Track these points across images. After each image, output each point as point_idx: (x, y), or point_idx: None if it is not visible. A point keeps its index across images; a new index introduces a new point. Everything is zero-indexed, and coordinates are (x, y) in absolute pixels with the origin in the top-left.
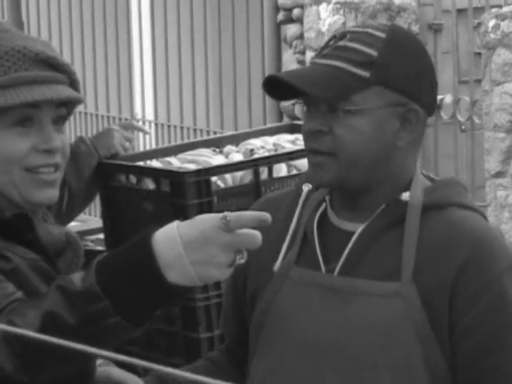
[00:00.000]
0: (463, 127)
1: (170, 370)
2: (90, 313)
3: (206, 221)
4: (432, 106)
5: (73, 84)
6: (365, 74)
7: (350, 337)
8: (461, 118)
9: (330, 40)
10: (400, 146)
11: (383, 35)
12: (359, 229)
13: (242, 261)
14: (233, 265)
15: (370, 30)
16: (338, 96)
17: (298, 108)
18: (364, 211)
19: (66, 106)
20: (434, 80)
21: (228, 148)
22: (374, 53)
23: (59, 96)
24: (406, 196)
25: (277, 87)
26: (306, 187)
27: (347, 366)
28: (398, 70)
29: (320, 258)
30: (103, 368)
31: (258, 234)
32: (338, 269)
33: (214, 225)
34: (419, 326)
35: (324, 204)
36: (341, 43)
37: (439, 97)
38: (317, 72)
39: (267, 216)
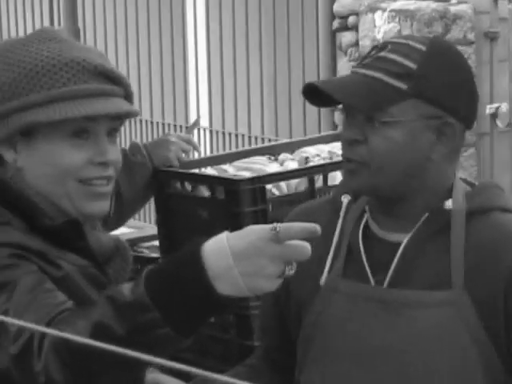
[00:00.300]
0: None
1: (214, 375)
2: (139, 323)
3: (255, 232)
4: (471, 119)
5: (127, 96)
6: (402, 85)
7: (406, 346)
8: None
9: (371, 50)
10: (434, 158)
11: (423, 48)
12: (405, 239)
13: (292, 272)
14: (282, 276)
15: (410, 42)
16: (374, 107)
17: (337, 116)
18: (405, 221)
19: (120, 118)
20: (473, 93)
21: (283, 156)
22: (412, 65)
23: (118, 110)
24: (449, 204)
25: (316, 94)
26: (346, 199)
27: (404, 374)
28: (436, 83)
29: (368, 271)
30: (152, 375)
31: (307, 245)
32: (387, 280)
33: (263, 236)
34: (474, 331)
35: (365, 215)
36: (381, 54)
37: (495, 105)
38: (355, 82)
39: (317, 228)
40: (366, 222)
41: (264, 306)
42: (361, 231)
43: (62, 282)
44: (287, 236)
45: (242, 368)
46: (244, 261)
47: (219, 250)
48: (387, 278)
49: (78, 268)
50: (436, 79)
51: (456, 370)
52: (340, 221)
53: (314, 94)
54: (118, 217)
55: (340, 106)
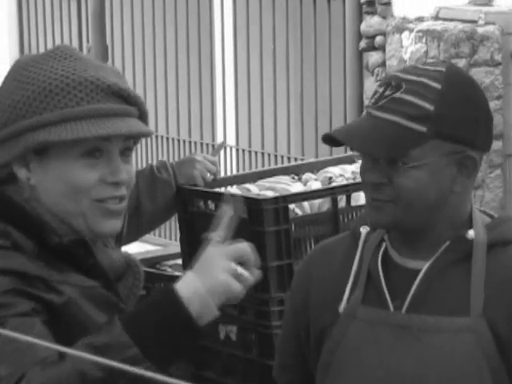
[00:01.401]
0: None
1: None
2: (119, 362)
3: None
4: (488, 143)
5: (142, 115)
6: (421, 128)
7: (424, 372)
8: None
9: (384, 89)
10: (457, 190)
11: (438, 86)
12: (425, 266)
13: (247, 274)
14: (238, 277)
15: (425, 80)
16: (396, 154)
17: None
18: (425, 249)
19: (134, 138)
20: (489, 119)
21: (306, 175)
22: (429, 106)
23: (131, 131)
24: (471, 234)
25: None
26: (364, 229)
27: None
28: (455, 121)
29: (387, 297)
30: None
31: (247, 243)
32: (405, 306)
33: (210, 247)
34: (490, 358)
35: (384, 244)
36: (397, 95)
37: None
38: (373, 128)
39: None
40: (385, 249)
41: (282, 343)
42: (380, 258)
43: (63, 308)
44: (225, 238)
45: None
46: (202, 273)
47: (189, 278)
48: (406, 304)
49: (84, 290)
50: (453, 117)
51: None
52: (359, 249)
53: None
54: (135, 231)
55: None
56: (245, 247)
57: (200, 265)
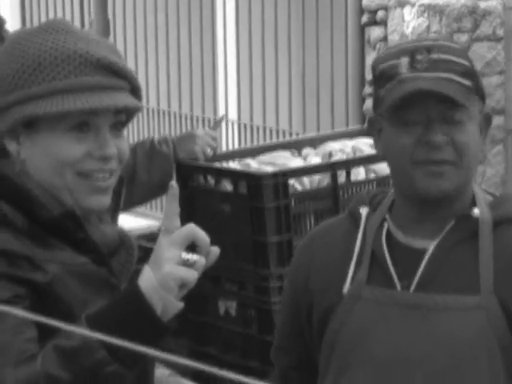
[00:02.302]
0: None
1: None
2: (86, 366)
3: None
4: None
5: (134, 90)
6: (468, 83)
7: (434, 350)
8: None
9: (412, 56)
10: (483, 149)
11: (458, 46)
12: (432, 245)
13: (196, 256)
14: (185, 262)
15: (445, 43)
16: (467, 102)
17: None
18: (431, 227)
19: (127, 112)
20: None
21: (307, 151)
22: (467, 63)
23: (116, 105)
24: (476, 212)
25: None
26: (364, 210)
27: (432, 378)
28: (479, 77)
29: (394, 276)
30: (174, 379)
31: (193, 225)
32: (414, 285)
33: (159, 238)
34: (501, 335)
35: (386, 224)
36: (434, 56)
37: None
38: (439, 83)
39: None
40: (388, 229)
41: (280, 325)
42: (384, 238)
43: (48, 287)
44: (172, 227)
45: None
46: (152, 265)
47: (145, 274)
48: (414, 283)
49: (72, 267)
50: (478, 75)
51: (483, 373)
52: (361, 230)
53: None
54: (126, 201)
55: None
56: (192, 229)
57: (152, 258)
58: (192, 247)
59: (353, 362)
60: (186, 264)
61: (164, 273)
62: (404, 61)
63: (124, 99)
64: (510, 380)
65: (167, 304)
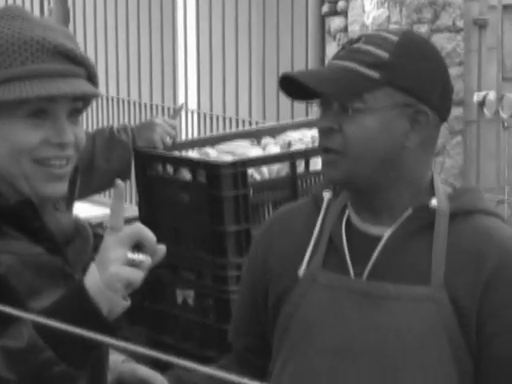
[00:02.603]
0: (506, 124)
1: (191, 365)
2: (32, 367)
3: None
4: (445, 111)
5: (91, 77)
6: (375, 74)
7: (383, 339)
8: (504, 115)
9: (346, 43)
10: (408, 146)
11: (396, 38)
12: (386, 233)
13: (142, 256)
14: (130, 262)
15: (383, 34)
16: (348, 94)
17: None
18: (387, 215)
19: (83, 99)
20: (447, 84)
21: (266, 140)
22: (384, 54)
23: (74, 91)
24: (434, 203)
25: (293, 86)
26: (327, 194)
27: (380, 368)
28: (408, 71)
29: (349, 262)
30: (128, 364)
31: (139, 224)
32: (366, 273)
33: (105, 237)
34: (450, 328)
35: (347, 210)
36: (355, 45)
37: (482, 93)
38: (330, 72)
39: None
40: (348, 216)
41: (238, 308)
42: (344, 224)
43: (2, 278)
44: (117, 226)
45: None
46: (98, 264)
47: (91, 274)
48: (367, 271)
49: (26, 258)
50: (407, 67)
51: (431, 365)
52: (321, 214)
53: (291, 86)
54: (84, 189)
55: (316, 100)
56: (138, 229)
57: (98, 257)
58: (138, 246)
59: (301, 347)
60: (132, 264)
61: (110, 274)
62: (338, 49)
63: (82, 86)
64: (458, 371)
65: (113, 304)
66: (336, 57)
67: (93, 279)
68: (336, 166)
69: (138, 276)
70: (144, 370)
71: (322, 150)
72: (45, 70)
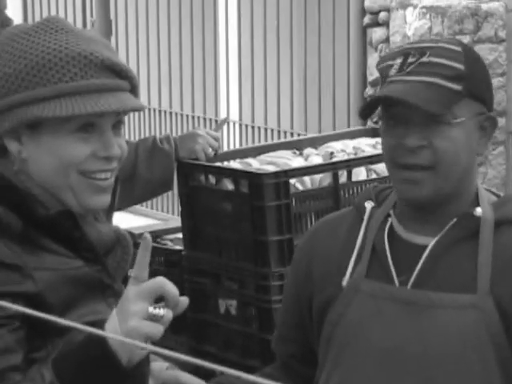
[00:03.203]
0: None
1: (234, 372)
2: None
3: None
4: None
5: (133, 89)
6: (457, 87)
7: (428, 348)
8: None
9: (405, 58)
10: (481, 152)
11: (459, 48)
12: (432, 242)
13: (163, 311)
14: (151, 317)
15: (445, 45)
16: (444, 110)
17: None
18: (433, 225)
19: (126, 112)
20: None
21: (308, 150)
22: (460, 66)
23: (125, 107)
24: (479, 211)
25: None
26: (369, 204)
27: (425, 375)
28: (481, 81)
29: (393, 271)
30: (171, 371)
31: (162, 278)
32: (411, 282)
33: (127, 288)
34: (495, 336)
35: (390, 219)
36: (424, 59)
37: None
38: (416, 88)
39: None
40: (391, 225)
41: (283, 316)
42: (386, 233)
43: (38, 297)
44: (139, 273)
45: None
46: (121, 316)
47: (112, 324)
48: (412, 279)
49: (64, 273)
50: (480, 77)
51: (475, 373)
52: (364, 224)
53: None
54: (127, 198)
55: (377, 116)
56: (160, 283)
57: (119, 307)
58: (160, 298)
59: (347, 356)
60: (153, 319)
61: (130, 327)
62: (397, 62)
63: (130, 101)
64: (503, 379)
65: (133, 353)
66: (405, 72)
67: (113, 329)
68: (423, 184)
69: (157, 331)
70: (188, 377)
71: (407, 167)
72: (94, 85)
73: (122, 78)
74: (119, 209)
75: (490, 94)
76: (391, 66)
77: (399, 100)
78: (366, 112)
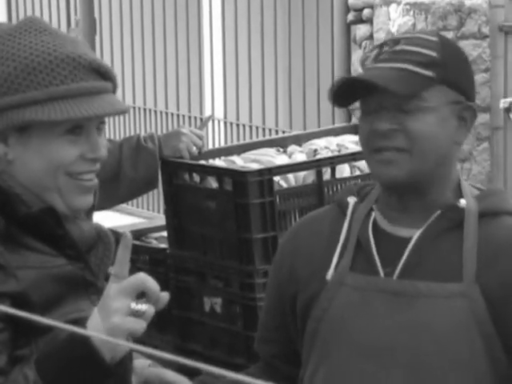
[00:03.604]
0: None
1: (218, 370)
2: None
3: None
4: (474, 101)
5: (114, 90)
6: (429, 73)
7: (416, 338)
8: None
9: (381, 46)
10: (459, 141)
11: (435, 38)
12: (417, 233)
13: (145, 307)
14: (133, 313)
15: (421, 35)
16: (413, 93)
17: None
18: (417, 217)
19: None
20: (473, 76)
21: (292, 148)
22: (433, 53)
23: (116, 110)
24: (463, 203)
25: (340, 91)
26: (352, 199)
27: (414, 365)
28: (457, 69)
29: (378, 263)
30: (153, 369)
31: (143, 274)
32: (397, 272)
33: (109, 284)
34: (483, 324)
35: (373, 213)
36: (398, 48)
37: (509, 99)
38: (384, 73)
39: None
40: (375, 219)
41: (264, 316)
42: (370, 226)
43: (21, 296)
44: (122, 274)
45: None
46: (100, 312)
47: (94, 321)
48: (397, 270)
49: (47, 271)
50: (456, 66)
51: (464, 361)
52: (347, 219)
53: (339, 91)
54: (112, 197)
55: (357, 104)
56: (141, 279)
57: (100, 305)
58: (141, 294)
59: (333, 349)
60: (135, 314)
61: (112, 324)
62: (374, 53)
63: (118, 104)
64: (491, 366)
65: (116, 350)
66: (379, 60)
67: (95, 327)
68: (399, 165)
69: (139, 326)
70: (171, 375)
71: (381, 149)
72: (85, 88)
73: (106, 79)
74: (104, 208)
75: (469, 85)
76: (368, 56)
77: (364, 82)
78: (339, 98)
